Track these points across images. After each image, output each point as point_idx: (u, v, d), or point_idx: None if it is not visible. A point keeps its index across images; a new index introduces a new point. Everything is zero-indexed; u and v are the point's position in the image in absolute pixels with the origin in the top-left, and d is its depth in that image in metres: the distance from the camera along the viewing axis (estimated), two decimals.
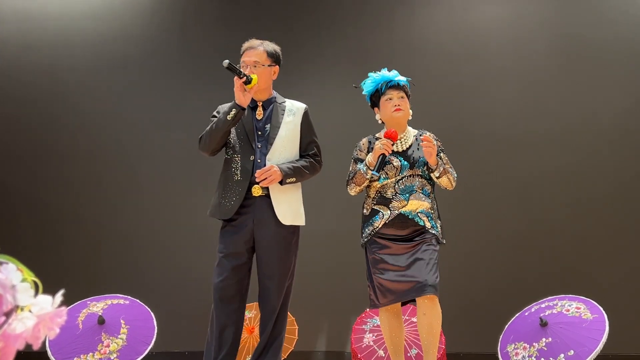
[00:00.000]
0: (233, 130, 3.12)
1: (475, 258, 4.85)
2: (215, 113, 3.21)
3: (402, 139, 3.30)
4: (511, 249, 4.80)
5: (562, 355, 3.26)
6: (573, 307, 3.52)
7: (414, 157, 3.24)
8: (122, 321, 3.72)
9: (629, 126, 4.72)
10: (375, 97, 3.36)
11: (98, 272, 4.91)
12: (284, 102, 3.25)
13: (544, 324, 3.43)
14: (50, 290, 1.11)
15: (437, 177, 3.24)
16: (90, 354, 3.55)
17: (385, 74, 3.34)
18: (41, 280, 1.12)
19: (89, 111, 5.12)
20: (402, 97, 3.29)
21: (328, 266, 4.82)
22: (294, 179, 3.11)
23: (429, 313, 3.10)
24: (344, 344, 4.70)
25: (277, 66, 3.21)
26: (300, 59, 5.06)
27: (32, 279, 1.09)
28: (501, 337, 3.68)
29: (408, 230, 3.19)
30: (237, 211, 3.06)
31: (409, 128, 3.38)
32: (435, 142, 3.28)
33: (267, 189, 3.07)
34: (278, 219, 3.06)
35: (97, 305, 3.82)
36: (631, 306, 4.52)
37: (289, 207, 3.11)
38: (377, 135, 3.37)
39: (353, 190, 3.33)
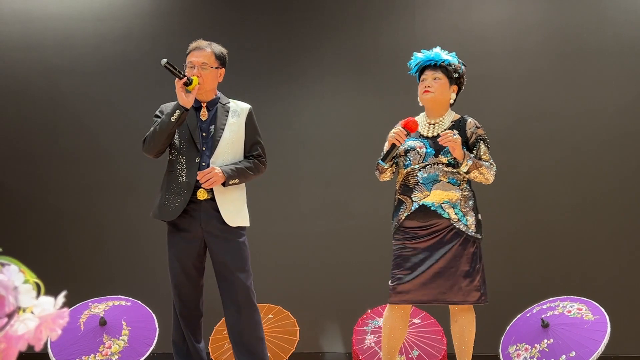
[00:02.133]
0: (177, 131, 3.07)
1: None
2: (157, 113, 3.16)
3: (437, 124, 3.07)
4: (512, 249, 4.79)
5: (563, 356, 3.25)
6: (575, 308, 3.51)
7: (442, 144, 2.96)
8: (123, 322, 3.72)
9: (628, 125, 4.72)
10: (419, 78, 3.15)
11: (100, 273, 4.91)
12: (228, 102, 3.19)
13: (545, 325, 3.43)
14: (52, 291, 1.12)
15: (466, 172, 2.97)
16: (92, 355, 3.56)
17: (426, 53, 3.11)
18: (43, 281, 1.12)
19: (90, 112, 5.12)
20: (436, 79, 3.03)
21: (330, 267, 4.82)
22: (236, 181, 3.06)
23: (460, 321, 3.05)
24: (345, 345, 4.69)
25: (224, 69, 3.17)
26: (299, 61, 5.07)
27: (34, 281, 1.09)
28: (503, 338, 3.68)
29: (430, 224, 2.98)
30: (181, 214, 3.02)
31: (451, 112, 3.13)
32: (475, 128, 3.07)
33: (212, 192, 3.02)
34: (225, 222, 3.03)
35: (98, 307, 3.83)
36: (633, 307, 4.51)
37: (234, 208, 3.08)
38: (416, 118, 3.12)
39: (379, 177, 3.16)
